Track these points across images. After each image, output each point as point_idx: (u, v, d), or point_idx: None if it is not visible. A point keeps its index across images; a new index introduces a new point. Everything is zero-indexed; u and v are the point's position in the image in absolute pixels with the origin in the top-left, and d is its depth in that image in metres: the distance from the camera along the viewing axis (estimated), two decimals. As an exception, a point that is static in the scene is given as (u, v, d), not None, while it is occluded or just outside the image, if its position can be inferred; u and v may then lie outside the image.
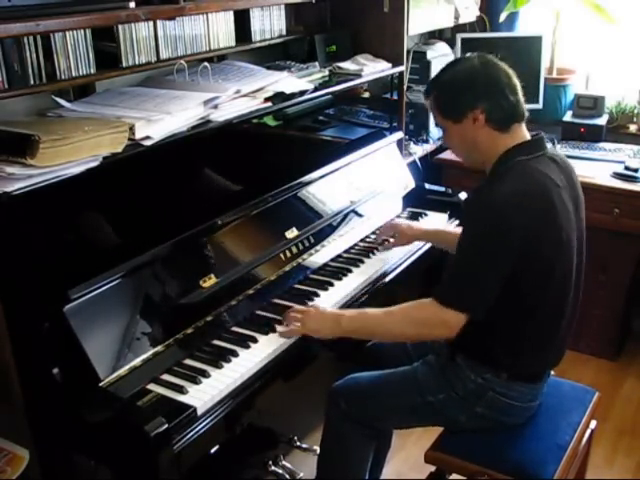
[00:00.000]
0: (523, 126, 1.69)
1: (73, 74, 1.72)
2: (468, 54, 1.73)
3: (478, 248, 1.59)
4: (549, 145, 1.75)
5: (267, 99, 2.00)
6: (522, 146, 1.66)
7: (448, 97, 1.70)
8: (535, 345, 1.69)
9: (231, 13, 2.13)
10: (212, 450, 1.59)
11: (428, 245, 2.27)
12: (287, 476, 2.16)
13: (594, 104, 3.15)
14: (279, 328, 1.74)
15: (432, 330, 1.66)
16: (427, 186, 2.65)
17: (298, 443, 2.28)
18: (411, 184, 2.62)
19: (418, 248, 2.27)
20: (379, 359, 1.95)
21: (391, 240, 2.23)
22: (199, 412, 1.46)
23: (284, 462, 2.19)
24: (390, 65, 2.57)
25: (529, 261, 1.58)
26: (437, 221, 2.46)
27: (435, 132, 3.05)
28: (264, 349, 1.67)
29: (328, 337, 1.73)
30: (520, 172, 1.62)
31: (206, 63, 2.03)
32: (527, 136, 1.69)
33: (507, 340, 1.68)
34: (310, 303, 1.87)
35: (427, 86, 1.76)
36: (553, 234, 1.60)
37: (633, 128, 3.18)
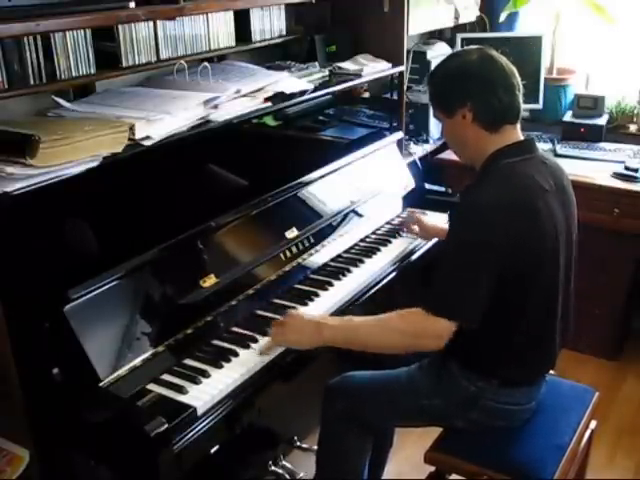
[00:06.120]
0: (517, 127, 1.65)
1: (73, 74, 1.72)
2: (470, 47, 1.70)
3: (463, 255, 1.56)
4: (545, 147, 1.72)
5: (267, 99, 2.00)
6: (512, 148, 1.63)
7: (441, 91, 1.69)
8: (524, 352, 1.67)
9: (231, 13, 2.13)
10: (212, 450, 1.59)
11: (429, 244, 2.28)
12: (287, 476, 2.16)
13: (594, 104, 3.15)
14: (256, 346, 1.66)
15: (422, 342, 1.61)
16: (427, 186, 2.65)
17: (298, 443, 2.29)
18: (411, 184, 2.62)
19: (418, 248, 2.27)
20: (379, 360, 1.94)
21: (415, 228, 2.28)
22: (199, 412, 1.46)
23: (284, 462, 2.19)
24: (390, 65, 2.57)
25: (511, 270, 1.55)
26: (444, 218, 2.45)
27: (435, 132, 3.05)
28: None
29: (309, 348, 1.66)
30: (506, 177, 1.59)
31: (206, 63, 2.03)
32: (520, 137, 1.66)
33: (497, 348, 1.67)
34: (300, 308, 1.85)
35: (428, 75, 1.74)
36: (536, 242, 1.57)
37: (633, 128, 3.18)
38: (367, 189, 2.40)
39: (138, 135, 1.63)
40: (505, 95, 1.60)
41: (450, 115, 1.65)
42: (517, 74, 1.64)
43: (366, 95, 2.84)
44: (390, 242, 2.28)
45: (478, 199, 1.57)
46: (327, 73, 2.37)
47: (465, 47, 1.73)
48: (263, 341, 1.68)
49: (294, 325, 1.68)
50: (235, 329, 1.75)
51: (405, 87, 2.76)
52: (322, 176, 2.24)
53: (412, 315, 1.60)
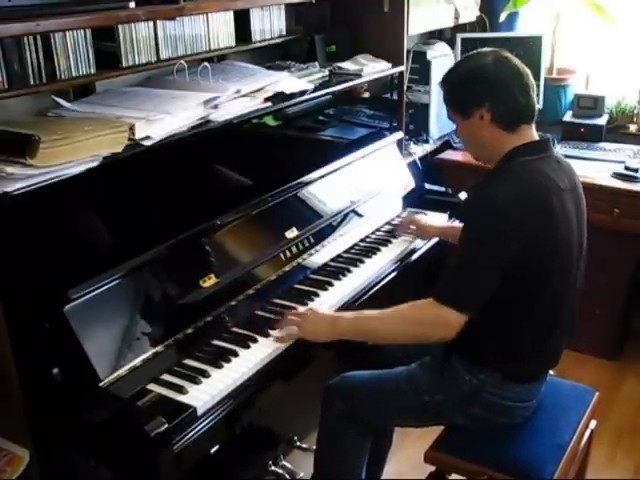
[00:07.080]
0: (532, 127, 1.68)
1: (73, 74, 1.72)
2: (484, 49, 1.72)
3: (476, 248, 1.59)
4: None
5: (267, 99, 2.00)
6: (528, 146, 1.65)
7: (457, 93, 1.70)
8: (530, 347, 1.69)
9: (231, 13, 2.13)
10: (212, 450, 1.59)
11: (430, 244, 2.29)
12: (287, 476, 2.16)
13: (594, 104, 3.16)
14: (273, 333, 1.71)
15: (432, 330, 1.63)
16: (427, 186, 2.66)
17: (298, 443, 2.28)
18: (411, 184, 2.62)
19: (419, 248, 2.27)
20: (379, 359, 1.95)
21: (412, 227, 2.29)
22: (199, 412, 1.46)
23: (284, 462, 2.19)
24: (390, 65, 2.57)
25: (524, 265, 1.57)
26: (444, 218, 2.47)
27: (435, 132, 3.05)
28: (264, 349, 1.67)
29: (325, 340, 1.71)
30: (521, 173, 1.61)
31: (206, 63, 2.03)
32: (535, 137, 1.68)
33: (501, 342, 1.68)
34: (310, 304, 1.87)
35: (442, 77, 1.75)
36: (550, 239, 1.59)
37: (633, 128, 3.18)
38: (367, 189, 2.40)
39: (138, 135, 1.63)
40: (521, 96, 1.62)
41: (467, 116, 1.67)
42: (530, 75, 1.66)
43: (366, 95, 2.84)
44: (390, 242, 2.28)
45: (493, 193, 1.59)
46: (327, 73, 2.37)
47: (479, 49, 1.73)
48: (276, 333, 1.71)
49: (311, 318, 1.72)
50: (235, 329, 1.75)
51: (405, 87, 2.76)
52: (322, 176, 2.24)
53: (422, 305, 1.63)
